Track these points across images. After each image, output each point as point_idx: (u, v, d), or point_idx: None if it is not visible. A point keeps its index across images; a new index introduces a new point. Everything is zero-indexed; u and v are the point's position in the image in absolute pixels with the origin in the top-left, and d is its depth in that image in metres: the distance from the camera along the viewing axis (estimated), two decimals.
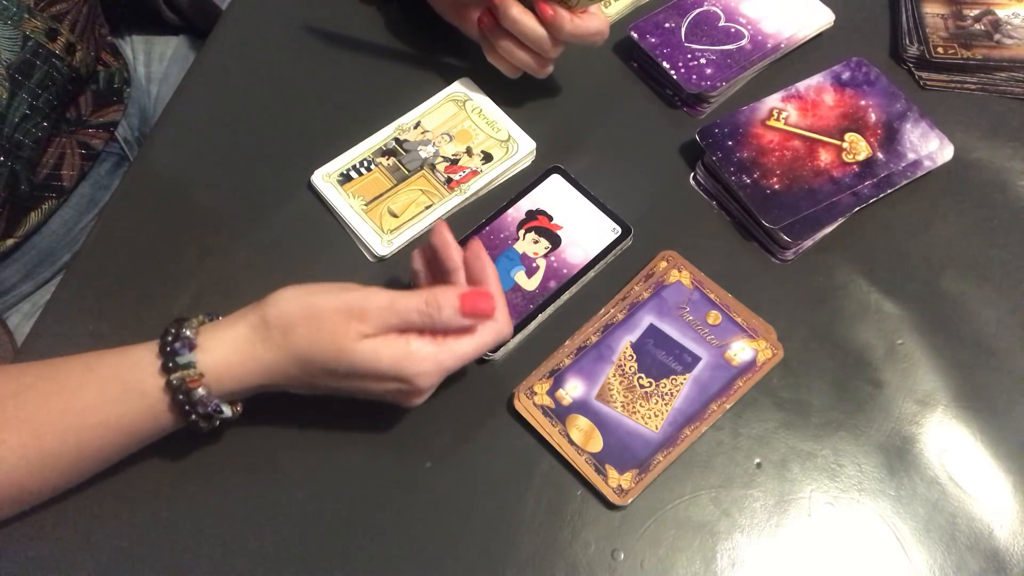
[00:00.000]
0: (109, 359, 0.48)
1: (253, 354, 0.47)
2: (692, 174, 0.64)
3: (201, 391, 0.46)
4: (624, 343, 0.56)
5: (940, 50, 0.67)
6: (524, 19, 0.58)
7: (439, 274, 0.51)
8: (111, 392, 0.46)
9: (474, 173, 0.63)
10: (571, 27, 0.58)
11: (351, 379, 0.48)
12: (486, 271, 0.50)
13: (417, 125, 0.65)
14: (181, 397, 0.46)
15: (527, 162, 0.65)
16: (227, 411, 0.48)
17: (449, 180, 0.63)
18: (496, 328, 0.49)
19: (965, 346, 0.57)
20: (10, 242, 0.66)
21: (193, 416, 0.47)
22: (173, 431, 0.49)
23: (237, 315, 0.48)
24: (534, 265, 0.59)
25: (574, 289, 0.59)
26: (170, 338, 0.47)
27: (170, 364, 0.46)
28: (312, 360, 0.46)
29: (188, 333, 0.47)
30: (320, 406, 0.55)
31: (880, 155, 0.62)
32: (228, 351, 0.47)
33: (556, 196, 0.62)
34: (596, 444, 0.53)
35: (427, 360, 0.47)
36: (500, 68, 0.64)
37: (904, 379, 0.56)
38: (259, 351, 0.47)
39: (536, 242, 0.60)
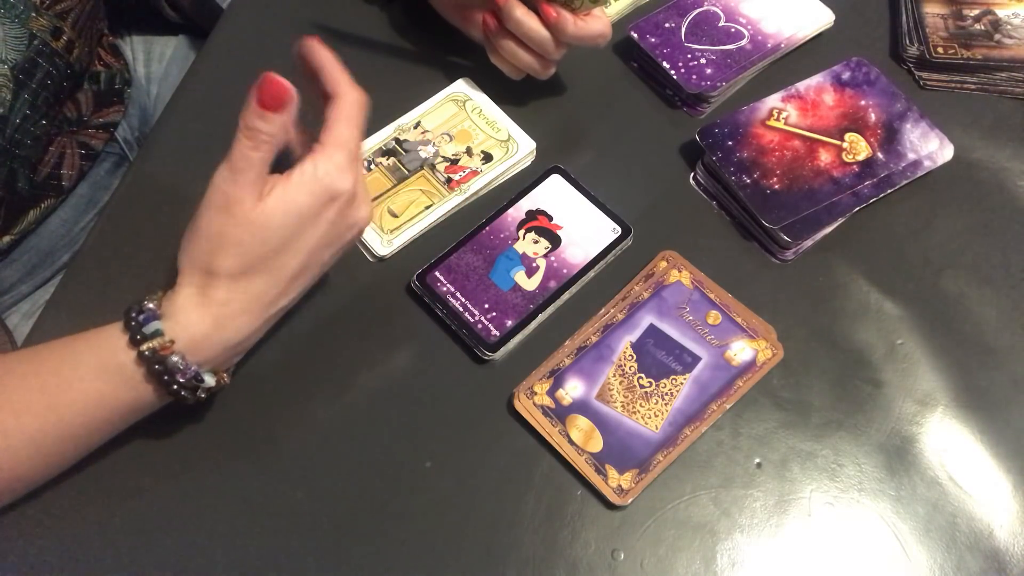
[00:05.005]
0: (83, 338, 0.48)
1: (210, 301, 0.46)
2: (692, 174, 0.64)
3: (175, 358, 0.45)
4: (624, 343, 0.56)
5: (940, 50, 0.67)
6: (528, 21, 0.58)
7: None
8: (87, 368, 0.46)
9: (474, 173, 0.63)
10: (574, 29, 0.58)
11: (289, 235, 0.46)
12: (321, 59, 0.49)
13: (417, 125, 0.65)
14: (157, 367, 0.45)
15: (527, 162, 0.65)
16: (209, 380, 0.47)
17: (449, 180, 0.63)
18: (348, 94, 0.48)
19: (965, 346, 0.57)
20: (7, 239, 0.65)
21: (175, 386, 0.46)
22: (161, 406, 0.48)
23: (176, 284, 0.47)
24: (534, 265, 0.59)
25: (574, 289, 0.59)
26: (133, 313, 0.46)
27: (138, 337, 0.45)
28: (245, 258, 0.46)
29: (150, 305, 0.46)
30: (320, 405, 0.55)
31: (880, 155, 0.62)
32: (192, 315, 0.46)
33: (556, 196, 0.62)
34: (596, 444, 0.53)
35: (320, 161, 0.46)
36: (503, 69, 0.64)
37: (904, 379, 0.56)
38: (210, 297, 0.46)
39: (536, 242, 0.60)
